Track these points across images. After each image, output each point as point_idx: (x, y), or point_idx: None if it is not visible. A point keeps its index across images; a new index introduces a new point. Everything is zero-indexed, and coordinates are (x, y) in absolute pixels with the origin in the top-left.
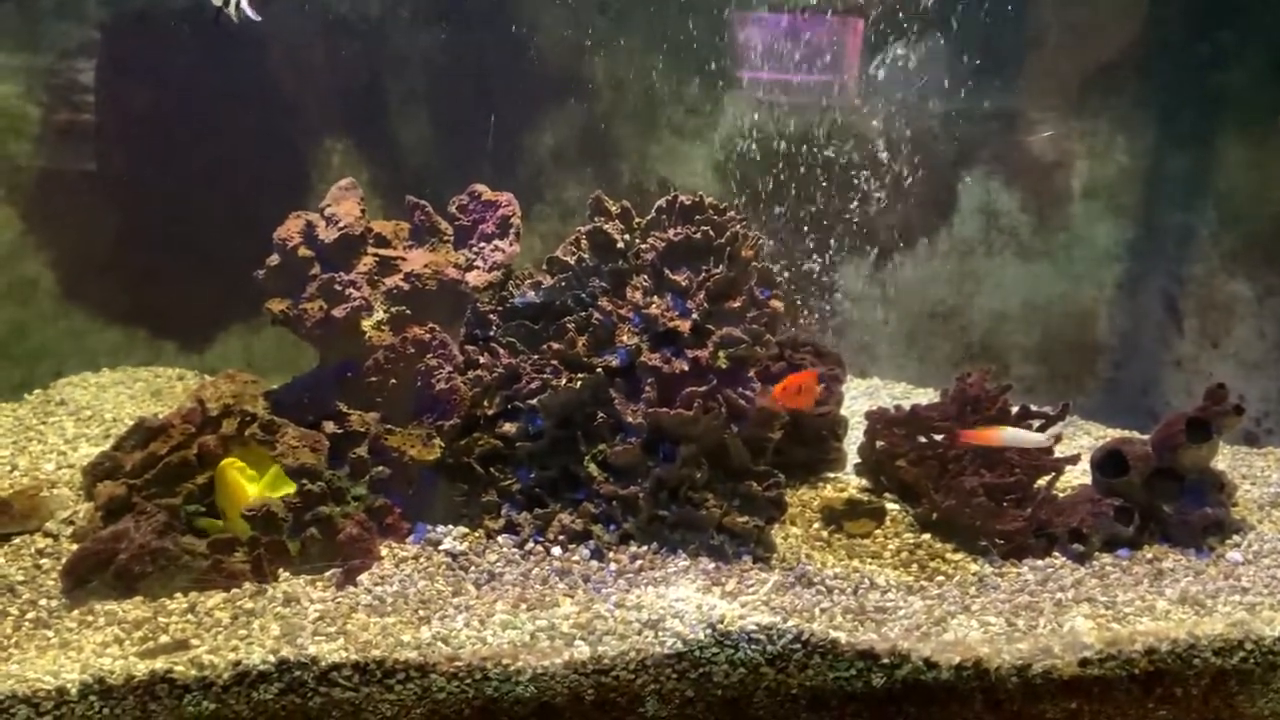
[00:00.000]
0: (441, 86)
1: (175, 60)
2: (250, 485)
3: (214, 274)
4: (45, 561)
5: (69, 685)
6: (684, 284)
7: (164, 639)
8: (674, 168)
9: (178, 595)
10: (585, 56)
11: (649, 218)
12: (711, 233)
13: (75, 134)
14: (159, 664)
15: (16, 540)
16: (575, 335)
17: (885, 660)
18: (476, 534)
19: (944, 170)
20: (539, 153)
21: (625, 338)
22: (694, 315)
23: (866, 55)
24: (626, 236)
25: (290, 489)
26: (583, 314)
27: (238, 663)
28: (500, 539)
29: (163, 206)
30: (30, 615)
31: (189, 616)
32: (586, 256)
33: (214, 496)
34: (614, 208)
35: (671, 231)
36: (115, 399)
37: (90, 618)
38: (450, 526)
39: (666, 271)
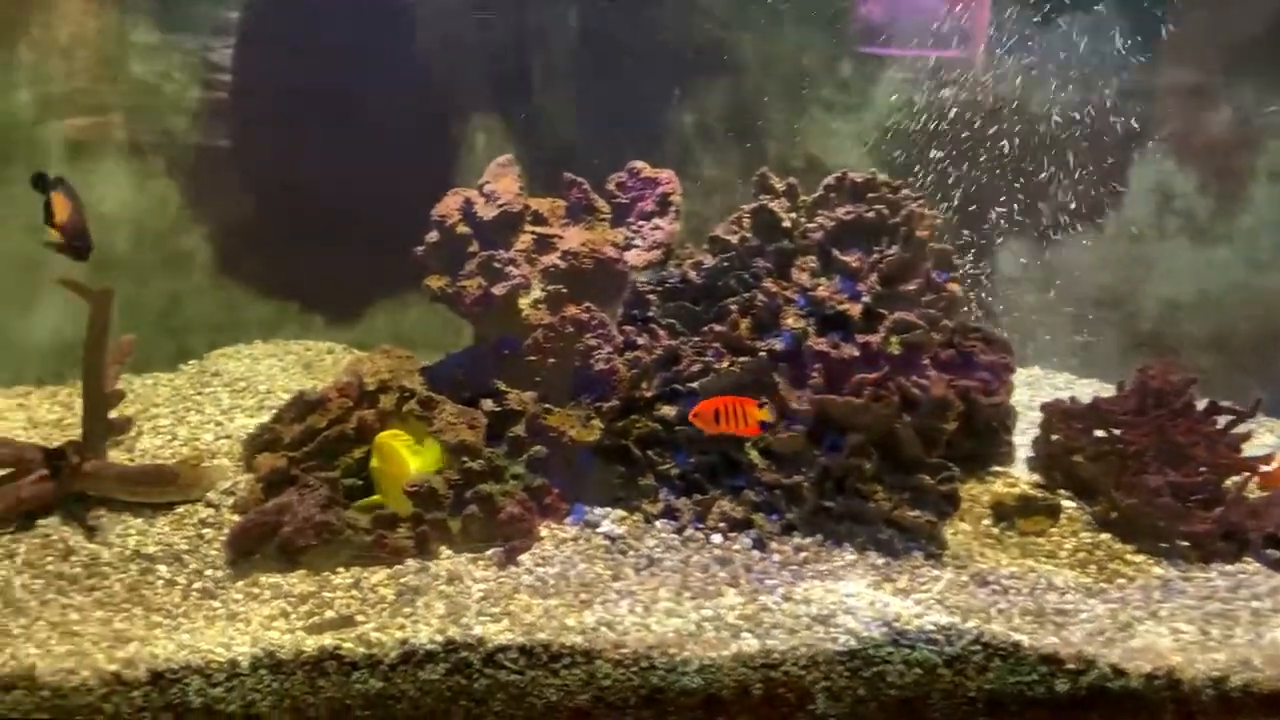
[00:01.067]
0: (588, 62)
1: (327, 37)
2: (412, 459)
3: (363, 250)
4: (208, 531)
5: (240, 658)
6: (855, 265)
7: (329, 614)
8: (823, 145)
9: (341, 570)
10: (734, 31)
11: (816, 196)
12: (885, 211)
13: (231, 110)
14: (327, 640)
15: (180, 509)
16: (738, 317)
17: (1070, 666)
18: (634, 517)
19: (1114, 149)
20: (683, 129)
21: (791, 321)
22: (865, 298)
23: (1031, 28)
24: (793, 215)
25: (446, 465)
26: (746, 295)
27: (405, 641)
28: (658, 524)
29: (314, 182)
30: (197, 585)
31: (354, 592)
32: (749, 235)
33: (369, 470)
34: (779, 185)
35: (841, 210)
36: (268, 371)
37: (256, 590)
38: (608, 509)
39: (835, 252)
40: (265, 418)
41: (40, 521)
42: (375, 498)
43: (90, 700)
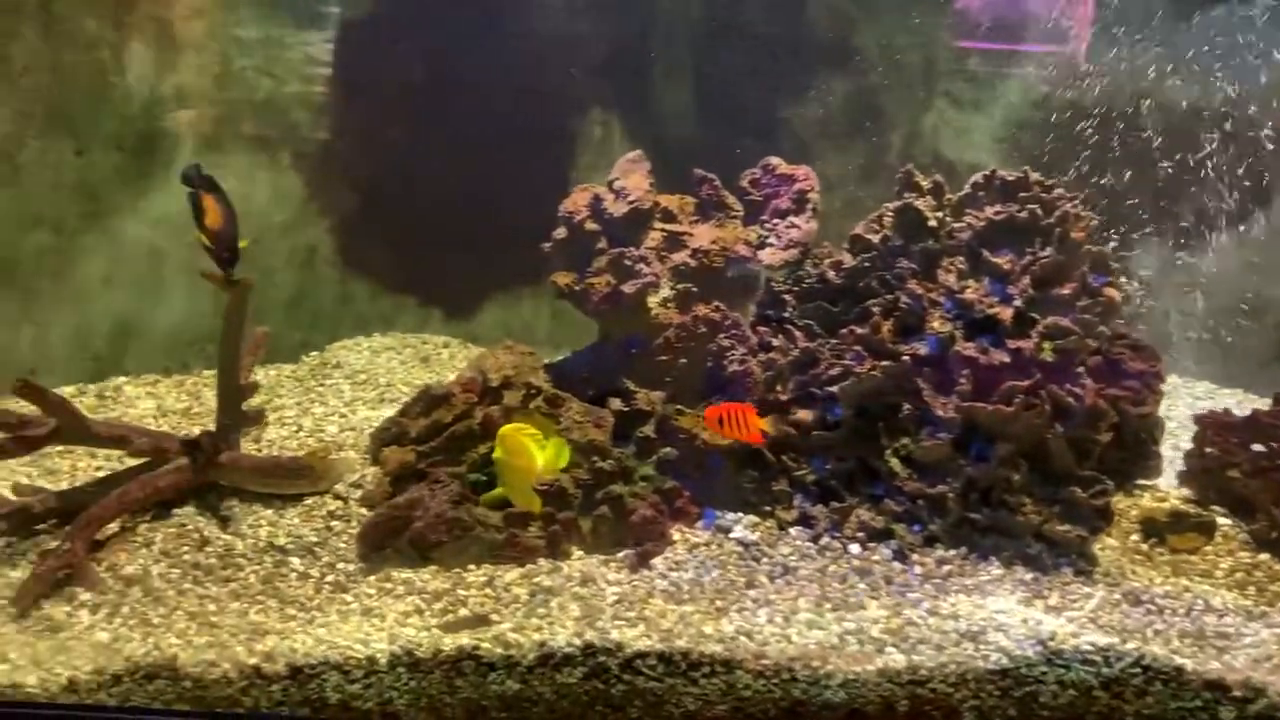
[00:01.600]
0: (706, 56)
1: (445, 31)
2: (539, 454)
3: (480, 245)
4: (336, 524)
5: (378, 655)
6: (1005, 267)
7: (463, 612)
8: (950, 141)
9: (472, 567)
10: (857, 23)
11: (962, 194)
12: (1038, 211)
13: (353, 105)
14: (465, 639)
15: (309, 501)
16: (880, 319)
17: (1237, 693)
18: (767, 524)
19: (1262, 146)
20: (803, 124)
21: (936, 324)
22: (1016, 302)
23: (1176, 20)
24: (939, 214)
25: (574, 463)
26: (889, 297)
27: (543, 643)
28: (793, 531)
29: (431, 177)
30: (329, 578)
31: (487, 590)
32: (891, 234)
33: (494, 463)
34: (925, 182)
35: (991, 210)
36: (387, 364)
37: (389, 585)
38: (739, 514)
39: (985, 253)
40: (387, 410)
41: (176, 511)
42: (498, 491)
43: (230, 693)
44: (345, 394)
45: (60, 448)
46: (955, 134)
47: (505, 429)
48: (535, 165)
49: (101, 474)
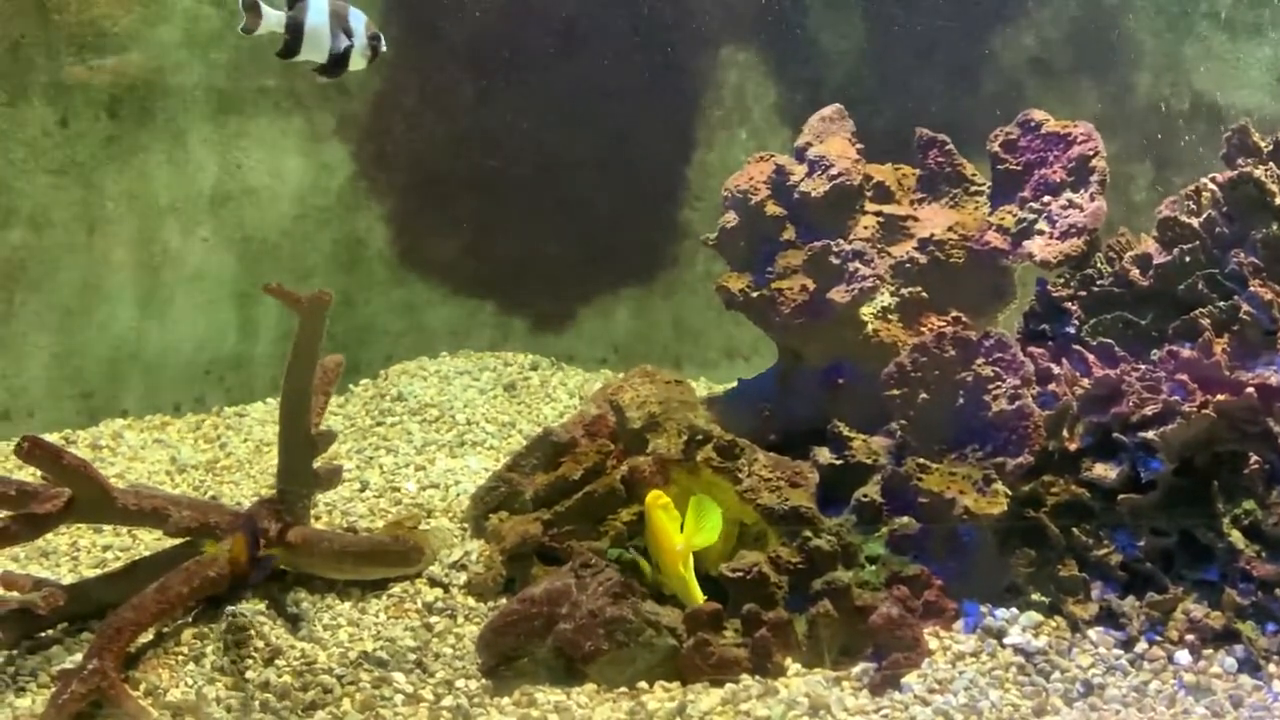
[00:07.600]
0: None
1: None
2: (675, 530)
3: (577, 230)
4: (437, 621)
5: None
6: None
7: None
8: (1218, 78)
9: (643, 685)
10: None
11: None
12: None
13: (417, 47)
14: None
15: (396, 589)
16: (1213, 336)
17: None
18: (1054, 623)
19: None
20: (1014, 60)
21: None
22: None
23: None
24: None
25: (775, 540)
26: (1222, 304)
27: None
28: (1092, 633)
29: (514, 139)
30: (448, 701)
31: None
32: (1219, 217)
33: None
34: (1264, 144)
35: None
36: (464, 394)
37: (533, 712)
38: (1012, 610)
39: None
40: (472, 458)
41: (229, 608)
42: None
43: None
44: (415, 437)
45: None
46: (1225, 68)
47: (650, 496)
48: (652, 121)
49: (112, 554)
